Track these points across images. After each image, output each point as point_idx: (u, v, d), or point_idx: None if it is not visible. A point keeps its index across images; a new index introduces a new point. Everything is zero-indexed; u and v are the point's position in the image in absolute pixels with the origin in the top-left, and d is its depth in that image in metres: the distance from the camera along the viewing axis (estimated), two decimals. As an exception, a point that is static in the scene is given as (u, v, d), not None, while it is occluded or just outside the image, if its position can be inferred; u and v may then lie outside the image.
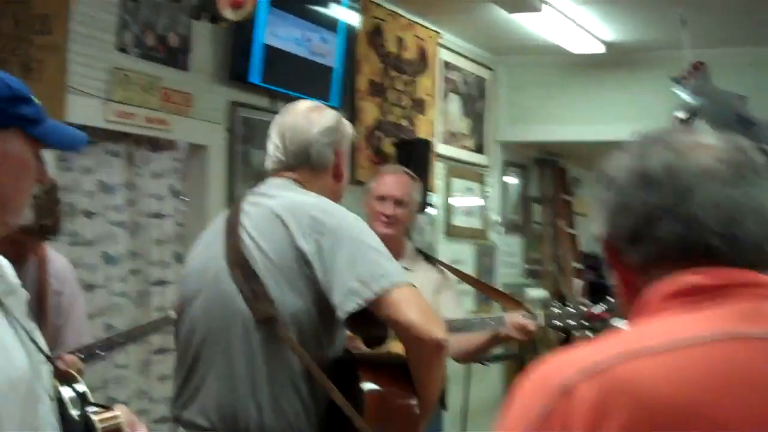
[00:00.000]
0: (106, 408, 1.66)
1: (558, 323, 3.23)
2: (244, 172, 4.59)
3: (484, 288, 4.52)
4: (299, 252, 2.12)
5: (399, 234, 3.45)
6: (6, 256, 2.57)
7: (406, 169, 3.60)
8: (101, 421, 1.60)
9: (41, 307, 2.75)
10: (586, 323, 3.19)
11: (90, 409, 1.63)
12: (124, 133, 4.05)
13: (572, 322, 3.21)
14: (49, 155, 3.55)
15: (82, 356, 2.74)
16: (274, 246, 2.16)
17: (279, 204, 2.22)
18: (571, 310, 3.21)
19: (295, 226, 2.14)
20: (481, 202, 7.04)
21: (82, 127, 3.79)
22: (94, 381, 3.93)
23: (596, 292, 8.37)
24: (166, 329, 2.96)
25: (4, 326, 1.54)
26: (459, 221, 6.72)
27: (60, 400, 1.64)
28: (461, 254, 6.71)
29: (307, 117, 2.36)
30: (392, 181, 3.48)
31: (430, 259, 3.59)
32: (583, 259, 8.55)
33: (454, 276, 3.63)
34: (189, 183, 4.48)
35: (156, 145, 4.26)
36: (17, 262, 2.66)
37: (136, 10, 3.93)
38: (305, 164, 2.33)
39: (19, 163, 1.57)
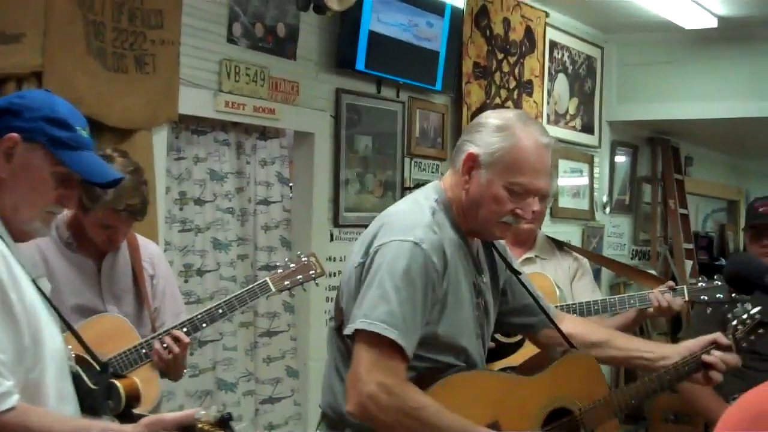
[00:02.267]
0: (126, 377, 1.81)
1: (705, 298, 3.10)
2: (350, 158, 4.65)
3: (622, 268, 4.40)
4: (352, 263, 2.17)
5: (537, 227, 3.40)
6: (100, 241, 2.72)
7: None
8: (124, 387, 1.77)
9: (139, 292, 2.85)
10: (735, 296, 3.01)
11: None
12: (234, 123, 4.15)
13: (720, 296, 3.08)
14: (162, 143, 3.70)
15: (186, 330, 2.79)
16: (353, 255, 2.21)
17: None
18: (719, 283, 3.08)
19: (365, 236, 2.18)
20: (588, 182, 6.93)
21: (194, 118, 3.95)
22: (203, 363, 4.09)
23: (708, 273, 8.18)
24: (264, 296, 3.00)
25: (41, 306, 1.78)
26: (565, 202, 6.64)
27: (77, 375, 1.84)
28: (567, 236, 6.62)
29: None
30: None
31: (562, 246, 3.54)
32: (695, 240, 8.35)
33: (588, 259, 3.57)
34: (296, 169, 4.57)
35: (264, 133, 4.35)
36: (112, 245, 2.78)
37: (246, 2, 4.01)
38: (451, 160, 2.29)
39: (35, 177, 1.80)
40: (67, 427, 1.67)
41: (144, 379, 2.56)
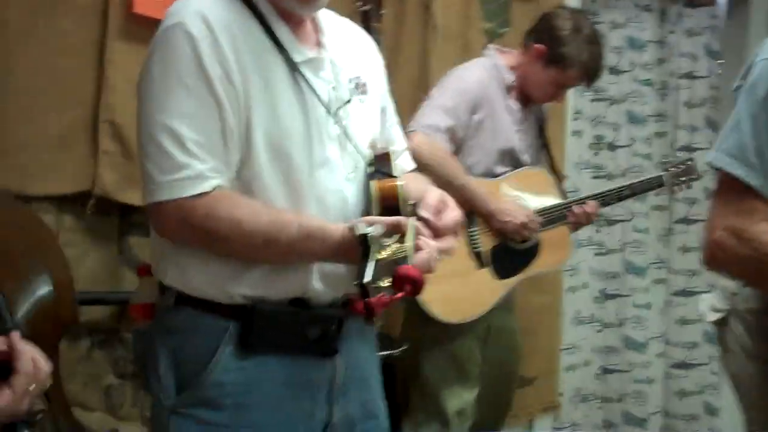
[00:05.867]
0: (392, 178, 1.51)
1: None
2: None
3: None
4: None
5: None
6: (543, 96, 2.77)
7: None
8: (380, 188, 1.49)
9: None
10: None
11: None
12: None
13: None
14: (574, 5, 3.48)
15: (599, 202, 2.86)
16: None
17: None
18: None
19: None
20: None
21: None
22: (612, 243, 3.88)
23: None
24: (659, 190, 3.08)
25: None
26: None
27: None
28: None
29: None
30: None
31: None
32: None
33: None
34: (726, 42, 4.09)
35: (692, 0, 3.94)
36: (551, 101, 2.89)
37: None
38: None
39: None
40: (262, 220, 1.43)
41: (560, 238, 2.82)
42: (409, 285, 1.24)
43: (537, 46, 2.71)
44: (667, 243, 4.02)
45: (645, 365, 3.94)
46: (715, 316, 1.96)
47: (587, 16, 2.78)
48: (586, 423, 3.84)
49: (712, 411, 4.01)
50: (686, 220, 4.02)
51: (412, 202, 1.50)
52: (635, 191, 3.00)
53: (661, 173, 3.01)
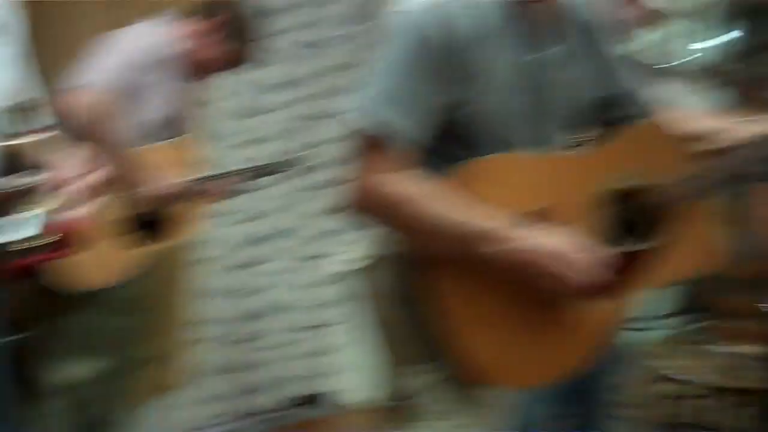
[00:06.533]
0: None
1: None
2: None
3: None
4: None
5: None
6: None
7: None
8: None
9: None
10: None
11: None
12: None
13: None
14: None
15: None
16: None
17: None
18: None
19: None
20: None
21: None
22: (239, 214, 3.92)
23: None
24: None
25: None
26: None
27: None
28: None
29: None
30: None
31: None
32: None
33: None
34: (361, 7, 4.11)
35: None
36: None
37: None
38: None
39: None
40: None
41: (189, 211, 2.88)
42: (63, 242, 1.28)
43: (215, 19, 2.75)
44: (292, 211, 4.09)
45: (270, 332, 4.01)
46: (359, 263, 2.02)
47: None
48: (213, 396, 3.85)
49: (335, 371, 4.18)
50: (311, 187, 4.07)
51: (44, 164, 1.45)
52: (263, 173, 3.19)
53: (284, 162, 3.27)
